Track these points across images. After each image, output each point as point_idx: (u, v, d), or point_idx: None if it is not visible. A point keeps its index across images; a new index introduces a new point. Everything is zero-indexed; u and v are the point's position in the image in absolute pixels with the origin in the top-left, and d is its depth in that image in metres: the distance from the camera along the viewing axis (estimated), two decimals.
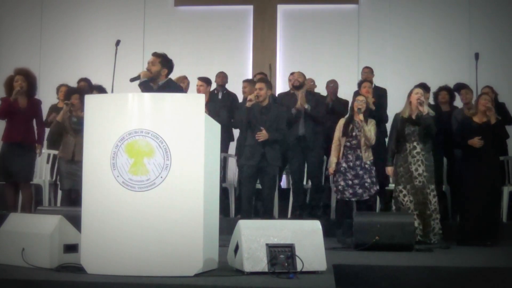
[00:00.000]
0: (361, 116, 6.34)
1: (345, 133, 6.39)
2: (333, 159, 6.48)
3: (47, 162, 7.45)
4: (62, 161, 6.60)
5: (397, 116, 6.39)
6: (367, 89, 7.20)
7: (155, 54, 5.38)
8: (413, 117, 6.23)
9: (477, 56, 6.76)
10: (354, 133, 6.37)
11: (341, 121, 6.52)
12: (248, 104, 6.64)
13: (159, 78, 5.32)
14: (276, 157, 6.64)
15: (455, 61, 9.01)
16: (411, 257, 5.10)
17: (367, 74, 8.06)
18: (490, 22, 9.17)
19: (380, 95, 7.57)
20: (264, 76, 7.91)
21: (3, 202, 6.86)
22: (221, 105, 7.60)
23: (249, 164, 6.60)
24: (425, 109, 6.17)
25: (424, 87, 7.33)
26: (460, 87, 7.31)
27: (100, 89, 7.18)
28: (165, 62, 5.34)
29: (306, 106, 7.05)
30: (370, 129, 6.34)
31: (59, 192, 7.32)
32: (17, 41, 9.83)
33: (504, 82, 7.82)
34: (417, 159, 6.15)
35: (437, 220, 6.12)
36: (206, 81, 7.72)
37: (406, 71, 8.97)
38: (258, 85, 6.73)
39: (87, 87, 7.32)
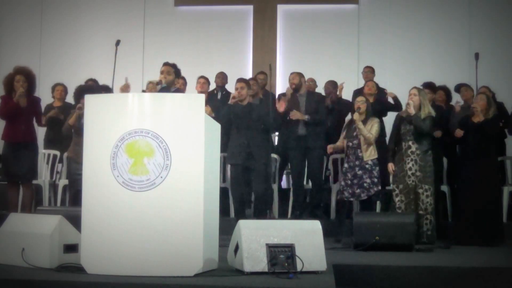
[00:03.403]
0: (356, 116, 6.35)
1: (347, 134, 6.46)
2: (339, 144, 6.53)
3: (47, 163, 7.43)
4: (72, 162, 6.50)
5: (397, 115, 6.45)
6: (369, 88, 7.23)
7: (169, 64, 6.10)
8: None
9: (477, 56, 6.75)
10: (355, 133, 6.39)
11: (347, 121, 6.56)
12: (231, 101, 6.65)
13: (172, 86, 6.03)
14: (262, 155, 6.64)
15: (455, 61, 9.01)
16: (411, 257, 5.10)
17: (367, 73, 8.05)
18: (490, 22, 9.17)
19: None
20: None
21: (3, 202, 6.85)
22: (220, 105, 7.58)
23: (236, 164, 6.63)
24: (412, 110, 6.14)
25: (430, 86, 7.31)
26: (460, 86, 7.29)
27: (107, 89, 7.10)
28: (177, 71, 6.15)
29: (306, 117, 7.05)
30: (370, 127, 6.33)
31: (60, 192, 7.31)
32: (17, 41, 9.82)
33: (504, 82, 7.83)
34: (411, 159, 6.15)
35: (428, 221, 6.02)
36: (207, 79, 7.71)
37: (406, 71, 8.97)
38: (238, 85, 6.74)
39: (95, 86, 7.23)
